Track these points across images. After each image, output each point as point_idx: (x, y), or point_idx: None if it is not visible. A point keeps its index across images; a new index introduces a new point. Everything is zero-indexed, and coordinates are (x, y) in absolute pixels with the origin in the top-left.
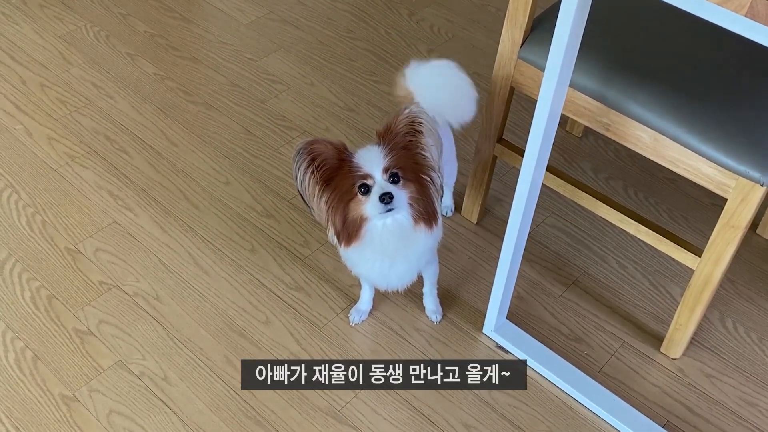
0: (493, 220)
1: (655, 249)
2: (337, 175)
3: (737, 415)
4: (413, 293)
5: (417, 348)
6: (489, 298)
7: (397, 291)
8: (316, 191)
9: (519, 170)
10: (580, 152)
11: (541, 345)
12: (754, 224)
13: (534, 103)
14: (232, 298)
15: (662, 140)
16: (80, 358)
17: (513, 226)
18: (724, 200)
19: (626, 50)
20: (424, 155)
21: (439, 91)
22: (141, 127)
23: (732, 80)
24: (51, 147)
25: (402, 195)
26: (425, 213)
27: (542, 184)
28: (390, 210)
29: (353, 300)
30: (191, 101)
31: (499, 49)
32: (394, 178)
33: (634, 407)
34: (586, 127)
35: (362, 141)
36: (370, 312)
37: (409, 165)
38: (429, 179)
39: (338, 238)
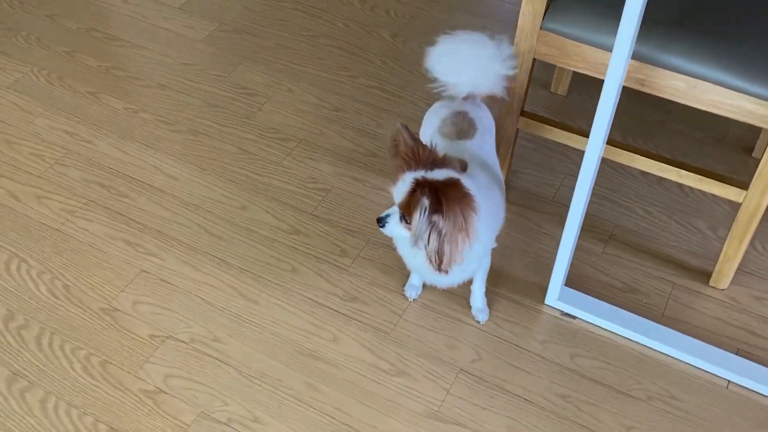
0: (518, 193)
1: (671, 188)
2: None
3: None
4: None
5: (488, 332)
6: (539, 271)
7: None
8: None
9: (537, 140)
10: (569, 110)
11: (604, 303)
12: (751, 147)
13: (546, 68)
14: (292, 323)
15: (700, 85)
16: (160, 420)
17: (579, 198)
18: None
19: (654, 4)
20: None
21: (462, 65)
22: (132, 167)
23: (761, 18)
24: (43, 206)
25: (400, 229)
26: (437, 262)
27: (561, 145)
28: (382, 227)
29: (410, 301)
30: (174, 130)
31: (519, 23)
32: (406, 221)
33: (705, 342)
34: (570, 84)
35: (360, 139)
36: (432, 308)
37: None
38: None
39: None
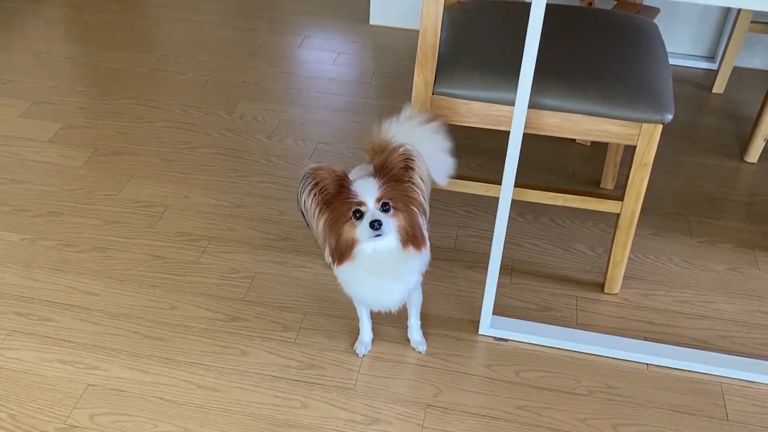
0: None
1: (546, 223)
2: (336, 200)
3: (680, 312)
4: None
5: (440, 368)
6: (463, 308)
7: (390, 312)
8: (316, 212)
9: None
10: None
11: (528, 322)
12: (597, 180)
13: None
14: (257, 400)
15: (573, 118)
16: None
17: (498, 238)
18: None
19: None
20: (414, 188)
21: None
22: (46, 292)
23: (609, 56)
24: None
25: (390, 222)
26: (413, 237)
27: (444, 203)
28: (378, 235)
29: (362, 357)
30: (80, 251)
31: (413, 92)
32: (384, 207)
33: (618, 336)
34: None
35: (267, 227)
36: (383, 359)
37: (399, 196)
38: (417, 209)
39: (332, 257)
